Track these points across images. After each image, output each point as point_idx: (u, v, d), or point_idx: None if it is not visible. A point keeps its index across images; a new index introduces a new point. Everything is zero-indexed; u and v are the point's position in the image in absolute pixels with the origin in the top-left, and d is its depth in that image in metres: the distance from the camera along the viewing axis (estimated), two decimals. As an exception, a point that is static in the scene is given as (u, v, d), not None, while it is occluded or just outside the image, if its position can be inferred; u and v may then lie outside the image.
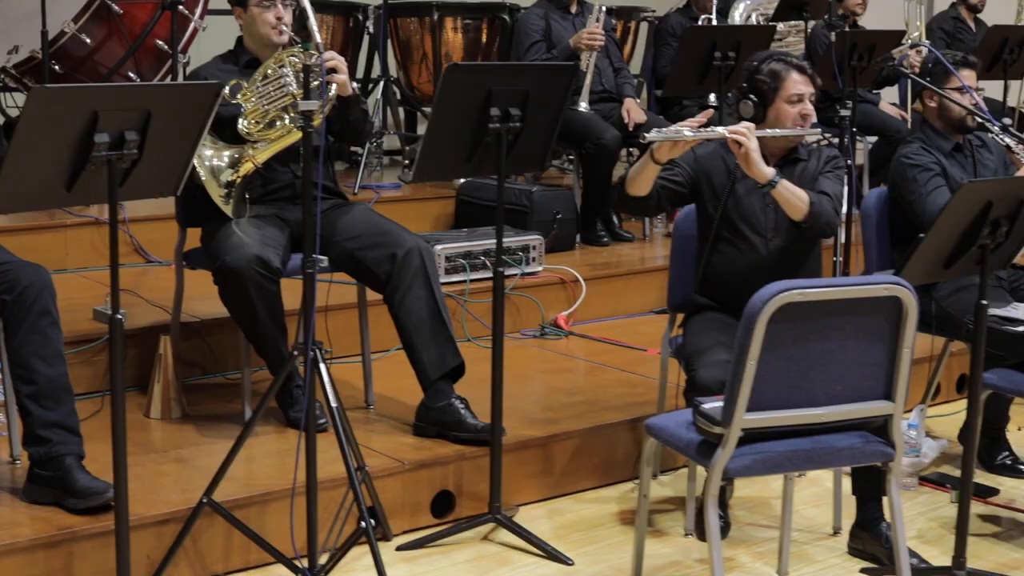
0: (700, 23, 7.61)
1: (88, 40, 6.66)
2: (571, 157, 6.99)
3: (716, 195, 4.37)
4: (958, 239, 3.70)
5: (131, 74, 6.83)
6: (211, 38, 6.81)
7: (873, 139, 8.17)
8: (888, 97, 8.48)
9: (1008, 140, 4.88)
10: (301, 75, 4.04)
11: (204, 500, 3.88)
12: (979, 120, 4.88)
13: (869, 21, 8.53)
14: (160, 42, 6.82)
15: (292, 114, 4.47)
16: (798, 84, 4.29)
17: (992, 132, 4.76)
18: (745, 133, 4.09)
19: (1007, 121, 5.10)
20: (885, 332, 3.46)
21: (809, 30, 7.65)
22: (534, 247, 6.16)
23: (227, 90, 4.54)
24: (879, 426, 3.61)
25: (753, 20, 8.70)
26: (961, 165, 5.04)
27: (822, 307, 3.35)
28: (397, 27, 7.69)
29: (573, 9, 7.08)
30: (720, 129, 4.12)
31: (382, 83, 7.49)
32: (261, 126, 4.54)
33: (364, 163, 7.19)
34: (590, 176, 6.82)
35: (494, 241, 5.88)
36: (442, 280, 5.80)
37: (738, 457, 3.45)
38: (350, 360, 5.16)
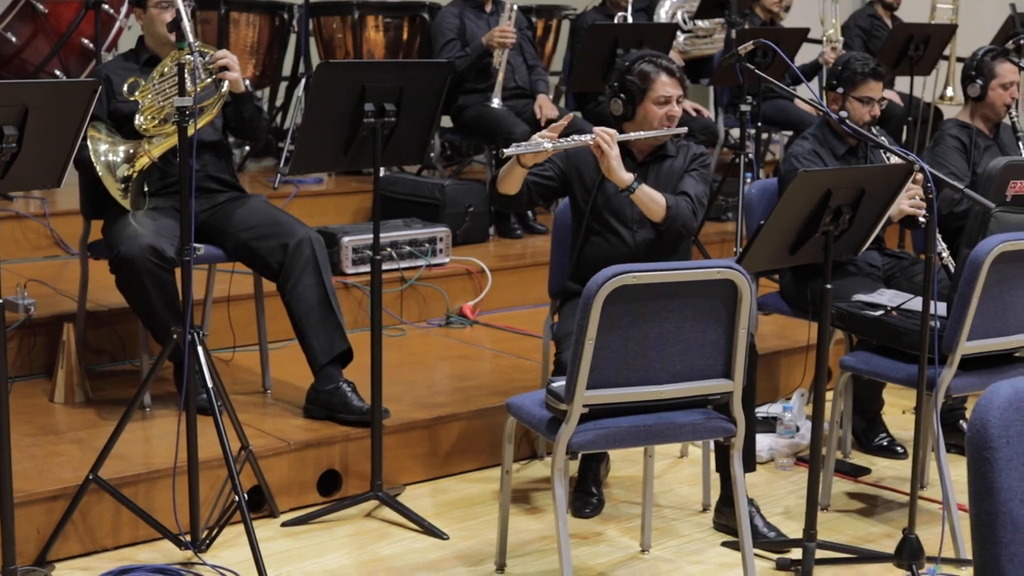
0: (616, 20, 7.83)
1: (14, 39, 6.81)
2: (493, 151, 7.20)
3: (587, 189, 4.57)
4: (800, 226, 3.90)
5: (57, 72, 6.99)
6: (137, 35, 6.98)
7: (789, 133, 8.37)
8: (804, 93, 8.69)
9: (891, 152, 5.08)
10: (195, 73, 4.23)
11: (91, 476, 4.07)
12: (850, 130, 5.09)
13: (787, 21, 8.77)
14: (86, 40, 6.97)
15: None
16: (666, 87, 4.48)
17: (875, 143, 4.94)
18: (607, 140, 4.29)
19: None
20: (722, 314, 3.68)
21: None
22: (441, 239, 6.36)
23: (126, 87, 4.75)
24: (723, 404, 3.83)
25: (678, 17, 8.92)
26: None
27: (657, 289, 3.56)
28: (320, 25, 7.87)
29: (488, 8, 7.29)
30: (583, 137, 4.31)
31: (304, 80, 7.66)
32: (156, 122, 4.72)
33: (285, 157, 7.40)
34: (502, 170, 7.02)
35: (403, 233, 6.13)
36: (350, 271, 6.04)
37: (581, 432, 3.67)
38: (251, 348, 5.34)
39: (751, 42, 4.98)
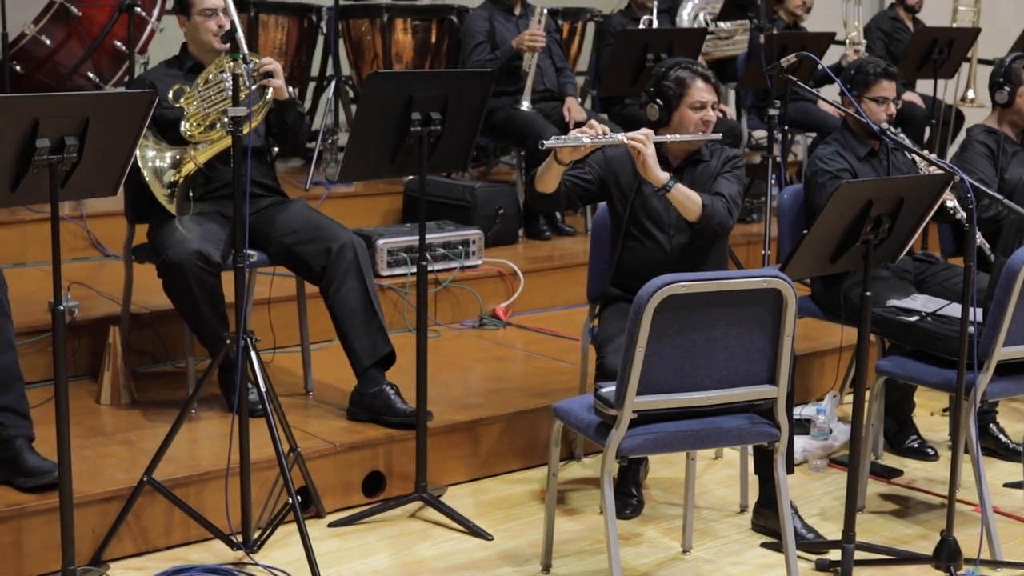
0: (641, 24, 7.91)
1: (48, 41, 6.89)
2: (522, 153, 7.28)
3: (624, 194, 4.66)
4: (841, 235, 3.97)
5: (90, 74, 7.07)
6: (170, 37, 7.06)
7: (812, 135, 8.44)
8: (828, 94, 8.75)
9: (908, 150, 5.16)
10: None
11: (145, 479, 4.16)
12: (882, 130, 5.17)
13: (808, 22, 8.86)
14: (118, 43, 7.06)
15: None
16: (702, 92, 4.58)
17: (892, 143, 5.02)
18: (643, 140, 4.38)
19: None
20: (767, 322, 3.76)
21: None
22: (474, 241, 6.45)
23: (171, 94, 4.84)
24: (767, 409, 3.91)
25: (700, 18, 9.00)
26: (875, 169, 5.32)
27: (705, 298, 3.65)
28: (349, 28, 7.94)
29: (517, 11, 7.37)
30: (619, 136, 4.40)
31: (334, 82, 7.74)
32: (202, 128, 4.81)
33: (316, 160, 7.49)
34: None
35: (437, 235, 6.21)
36: (385, 273, 6.14)
37: (631, 437, 3.75)
38: (293, 350, 5.43)
39: (794, 55, 5.05)
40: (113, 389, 5.02)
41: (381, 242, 6.15)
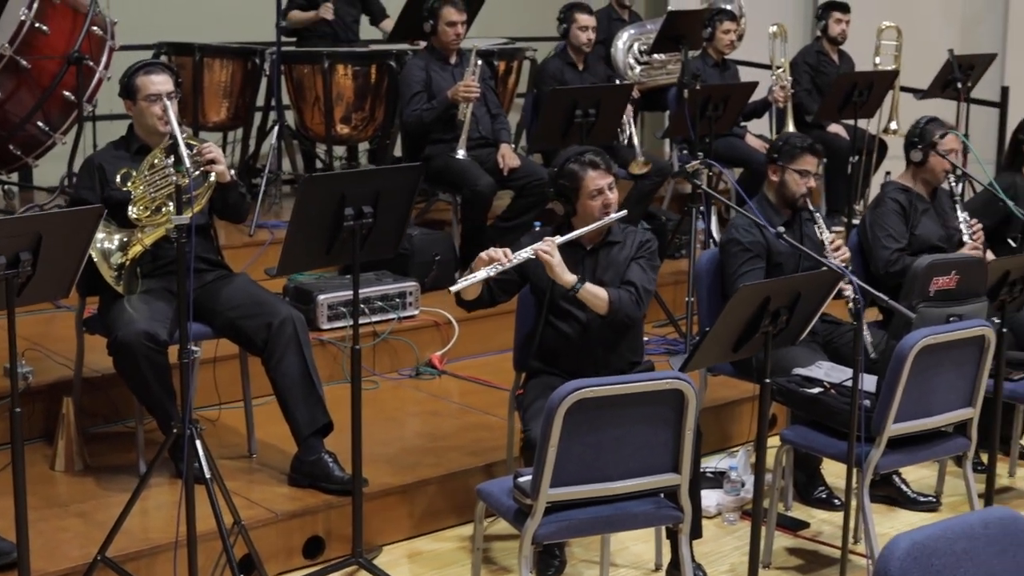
0: (577, 65, 8.28)
1: (-1, 92, 7.16)
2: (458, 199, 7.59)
3: (543, 279, 4.96)
4: (742, 328, 4.31)
5: (40, 123, 7.33)
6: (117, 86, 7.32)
7: (739, 170, 8.77)
8: (755, 129, 9.11)
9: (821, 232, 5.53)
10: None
11: (99, 557, 4.47)
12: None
13: (736, 54, 9.20)
14: (67, 92, 7.31)
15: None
16: (595, 180, 4.90)
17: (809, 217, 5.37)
18: (548, 250, 4.72)
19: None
20: (671, 418, 4.10)
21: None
22: (410, 292, 6.76)
23: (119, 177, 5.10)
24: (672, 492, 4.25)
25: (635, 49, 9.38)
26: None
27: (612, 400, 3.99)
28: (292, 71, 8.22)
29: (452, 60, 7.66)
30: (524, 252, 4.73)
31: (277, 127, 8.03)
32: (149, 212, 5.07)
33: (261, 199, 7.79)
34: (467, 220, 7.43)
35: (375, 289, 6.51)
36: (325, 327, 6.43)
37: (546, 524, 4.08)
38: (236, 406, 5.71)
39: (699, 161, 5.40)
40: (67, 457, 5.31)
41: (321, 297, 6.45)
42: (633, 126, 8.17)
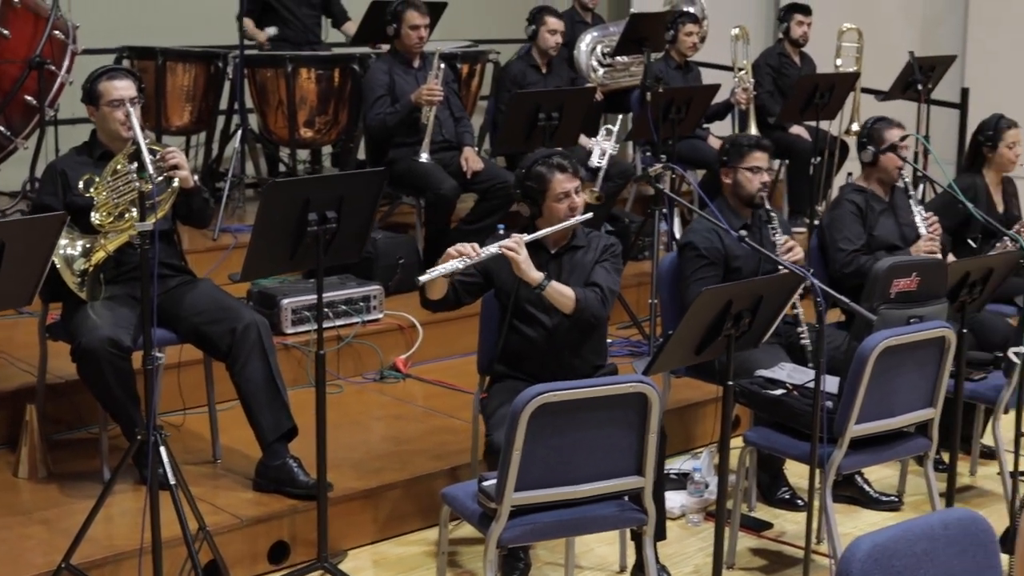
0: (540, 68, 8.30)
1: (-42, 97, 7.11)
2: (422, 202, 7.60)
3: (508, 282, 4.98)
4: (704, 332, 4.34)
5: (1, 128, 7.29)
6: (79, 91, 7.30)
7: (702, 172, 8.80)
8: (717, 131, 9.16)
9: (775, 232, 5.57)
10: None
11: (63, 565, 4.46)
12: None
13: (698, 56, 9.25)
14: (29, 97, 7.28)
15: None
16: (563, 183, 4.93)
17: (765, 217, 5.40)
18: (514, 247, 4.73)
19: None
20: (634, 421, 4.12)
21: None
22: (375, 296, 6.76)
23: (81, 184, 5.08)
24: (636, 495, 4.27)
25: (598, 51, 9.40)
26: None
27: (576, 404, 4.00)
28: (255, 75, 8.21)
29: (415, 64, 7.68)
30: (491, 248, 4.74)
31: (240, 131, 8.01)
32: (112, 218, 5.06)
33: (225, 204, 7.78)
34: (431, 223, 7.45)
35: (339, 293, 6.51)
36: (289, 331, 6.43)
37: (510, 528, 4.10)
38: (201, 411, 5.71)
39: (660, 166, 5.43)
40: (31, 464, 5.29)
41: (285, 301, 6.45)
42: (607, 155, 7.81)
